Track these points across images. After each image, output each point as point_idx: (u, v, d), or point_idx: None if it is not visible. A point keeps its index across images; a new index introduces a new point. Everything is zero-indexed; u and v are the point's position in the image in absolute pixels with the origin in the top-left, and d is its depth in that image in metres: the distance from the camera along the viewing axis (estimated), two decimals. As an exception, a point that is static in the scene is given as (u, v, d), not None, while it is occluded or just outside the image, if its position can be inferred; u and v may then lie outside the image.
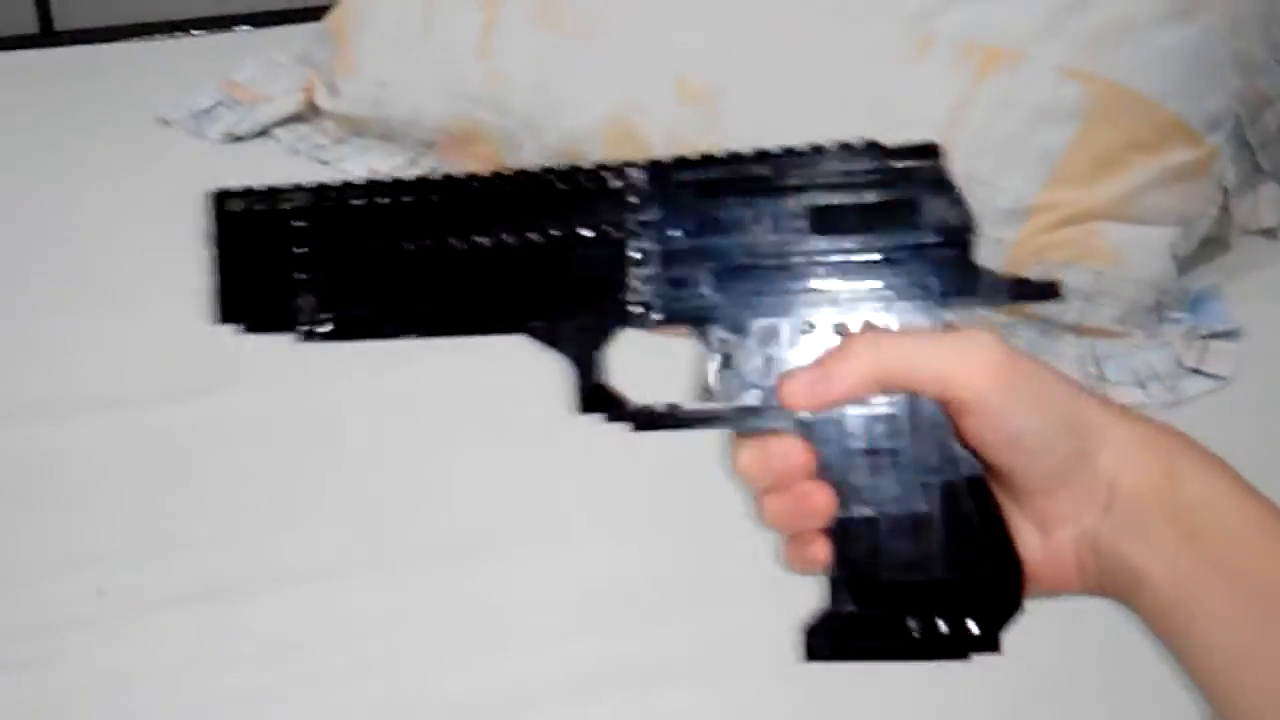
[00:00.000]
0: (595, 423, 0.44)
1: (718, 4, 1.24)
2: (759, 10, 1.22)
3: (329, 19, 1.50)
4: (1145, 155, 1.09)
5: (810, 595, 0.44)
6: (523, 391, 1.03)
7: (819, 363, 0.42)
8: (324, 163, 1.42)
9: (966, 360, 0.41)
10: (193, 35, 1.87)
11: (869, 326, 0.43)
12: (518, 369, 1.07)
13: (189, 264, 1.35)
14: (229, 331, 0.45)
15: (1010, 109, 1.09)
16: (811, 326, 0.43)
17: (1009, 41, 1.12)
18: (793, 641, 0.44)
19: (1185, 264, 1.12)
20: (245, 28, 1.90)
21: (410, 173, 1.37)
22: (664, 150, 1.23)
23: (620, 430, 0.44)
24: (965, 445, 0.42)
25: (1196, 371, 1.04)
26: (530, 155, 1.30)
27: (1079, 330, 1.07)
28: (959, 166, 0.43)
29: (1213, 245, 1.17)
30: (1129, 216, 1.08)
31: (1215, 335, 1.07)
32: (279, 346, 0.46)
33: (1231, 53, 1.12)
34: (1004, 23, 1.12)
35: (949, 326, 0.43)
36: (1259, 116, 1.17)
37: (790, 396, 0.42)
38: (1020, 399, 0.41)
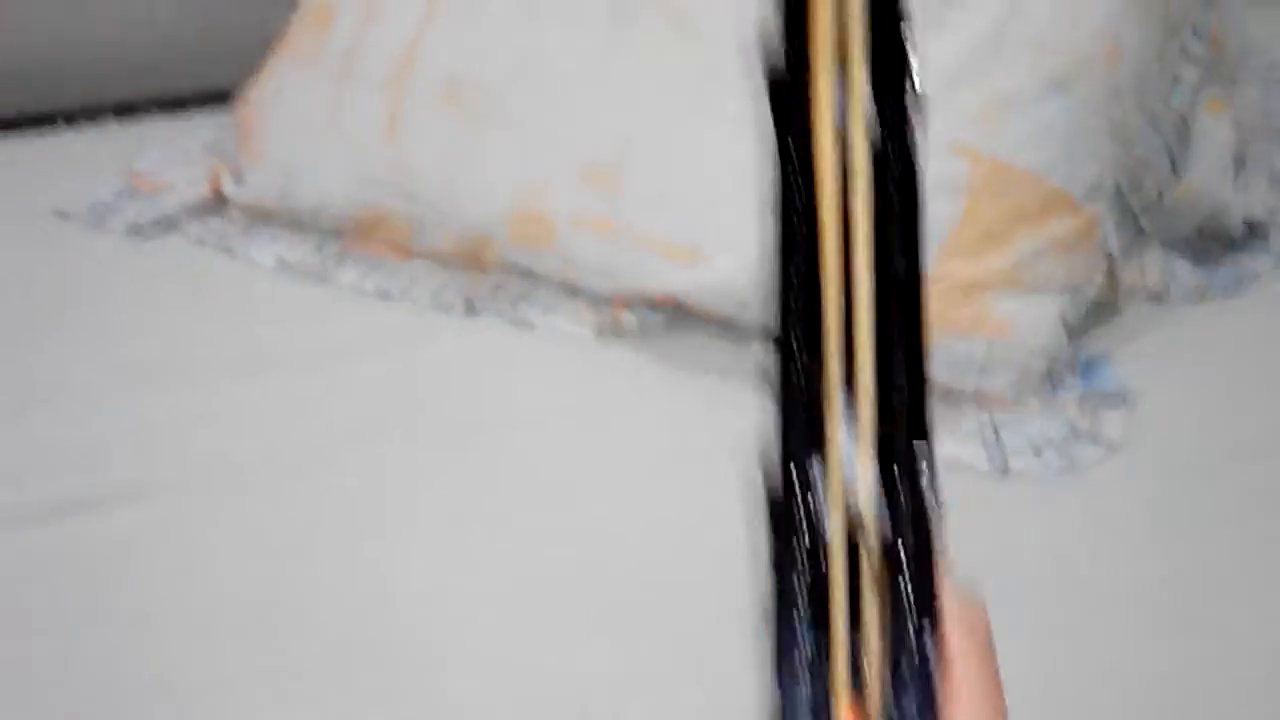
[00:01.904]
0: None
1: (617, 84, 1.26)
2: (659, 89, 1.25)
3: (236, 107, 1.50)
4: (1029, 226, 1.13)
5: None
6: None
7: None
8: (230, 253, 1.41)
9: None
10: (98, 124, 1.83)
11: None
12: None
13: (84, 363, 1.32)
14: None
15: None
16: None
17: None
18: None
19: (1076, 330, 1.16)
20: (154, 115, 1.85)
21: (316, 260, 1.38)
22: (570, 233, 1.26)
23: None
24: None
25: (1088, 437, 1.07)
26: (437, 241, 1.30)
27: (978, 400, 1.10)
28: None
29: (1103, 310, 1.21)
30: (1018, 286, 1.12)
31: (1105, 400, 1.10)
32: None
33: (1108, 122, 1.17)
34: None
35: None
36: (1140, 183, 1.21)
37: None
38: None
